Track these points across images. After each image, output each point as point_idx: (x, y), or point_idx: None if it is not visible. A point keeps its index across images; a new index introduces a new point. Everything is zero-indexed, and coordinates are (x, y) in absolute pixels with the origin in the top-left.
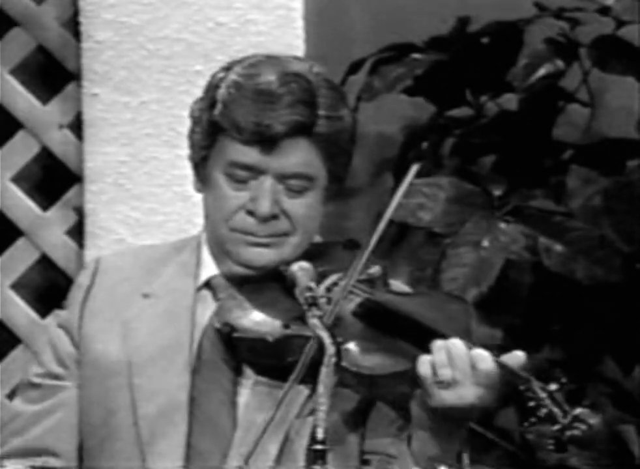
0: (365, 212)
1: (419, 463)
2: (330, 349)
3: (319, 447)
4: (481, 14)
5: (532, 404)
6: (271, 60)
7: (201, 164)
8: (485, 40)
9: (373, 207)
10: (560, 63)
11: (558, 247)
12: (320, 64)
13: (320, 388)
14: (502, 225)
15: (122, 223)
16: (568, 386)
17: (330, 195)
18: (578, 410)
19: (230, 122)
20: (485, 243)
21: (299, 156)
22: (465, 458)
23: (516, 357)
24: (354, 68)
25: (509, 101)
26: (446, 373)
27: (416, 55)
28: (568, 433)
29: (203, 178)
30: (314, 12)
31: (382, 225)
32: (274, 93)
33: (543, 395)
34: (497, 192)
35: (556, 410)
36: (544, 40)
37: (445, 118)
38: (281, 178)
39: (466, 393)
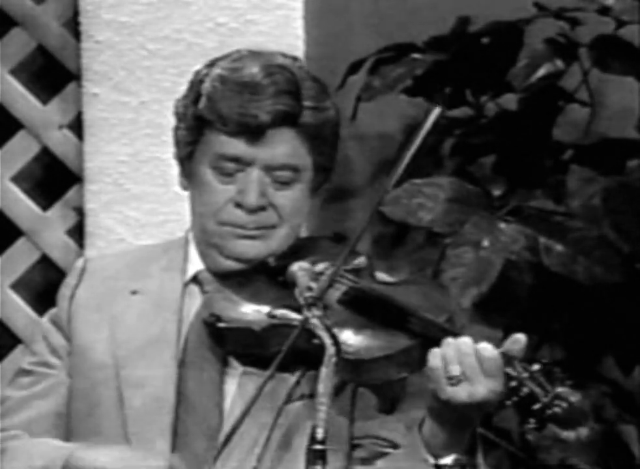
0: (365, 212)
1: (430, 449)
2: (330, 349)
3: (318, 447)
4: (481, 14)
5: (513, 383)
6: (255, 54)
7: (186, 160)
8: (485, 40)
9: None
10: (560, 63)
11: (558, 247)
12: (320, 64)
13: (321, 388)
14: (502, 225)
15: (122, 223)
16: (550, 367)
17: (317, 188)
18: (559, 389)
19: (215, 114)
20: (485, 243)
21: (285, 146)
22: (479, 455)
23: (518, 340)
24: (354, 68)
25: (509, 101)
26: (455, 369)
27: (416, 55)
28: (549, 412)
29: (189, 175)
30: (314, 12)
31: (393, 178)
32: (258, 84)
33: (524, 374)
34: (497, 192)
35: (537, 389)
36: (544, 40)
37: (445, 118)
38: (268, 169)
39: (477, 391)
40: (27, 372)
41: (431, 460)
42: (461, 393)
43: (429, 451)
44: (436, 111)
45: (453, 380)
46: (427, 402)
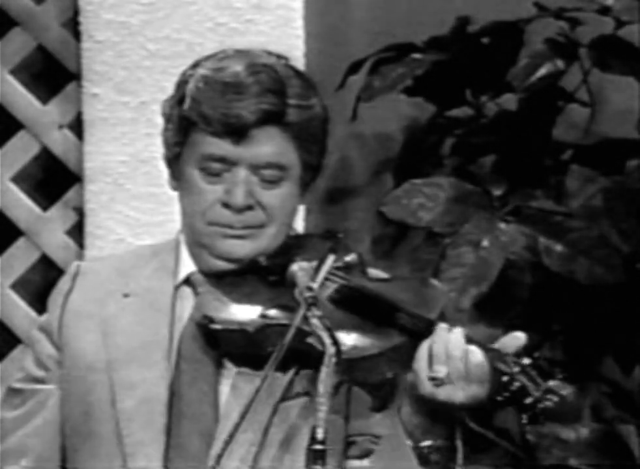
0: (365, 212)
1: (408, 433)
2: (330, 349)
3: (318, 447)
4: (481, 14)
5: (505, 378)
6: (240, 54)
7: (174, 161)
8: (485, 40)
9: (373, 207)
10: (560, 63)
11: (558, 247)
12: (320, 64)
13: (321, 388)
14: (502, 225)
15: (122, 223)
16: (541, 361)
17: (306, 186)
18: (550, 383)
19: (199, 115)
20: (485, 243)
21: (271, 145)
22: (459, 444)
23: (517, 338)
24: (354, 68)
25: (509, 101)
26: (441, 371)
27: (416, 55)
28: (541, 405)
29: (177, 176)
30: (314, 12)
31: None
32: (241, 83)
33: (516, 369)
34: (497, 192)
35: (529, 383)
36: (544, 40)
37: (445, 118)
38: (255, 168)
39: (456, 395)
40: (16, 392)
41: (410, 443)
42: (441, 393)
43: (407, 434)
44: (331, 258)
45: (437, 381)
46: (406, 389)
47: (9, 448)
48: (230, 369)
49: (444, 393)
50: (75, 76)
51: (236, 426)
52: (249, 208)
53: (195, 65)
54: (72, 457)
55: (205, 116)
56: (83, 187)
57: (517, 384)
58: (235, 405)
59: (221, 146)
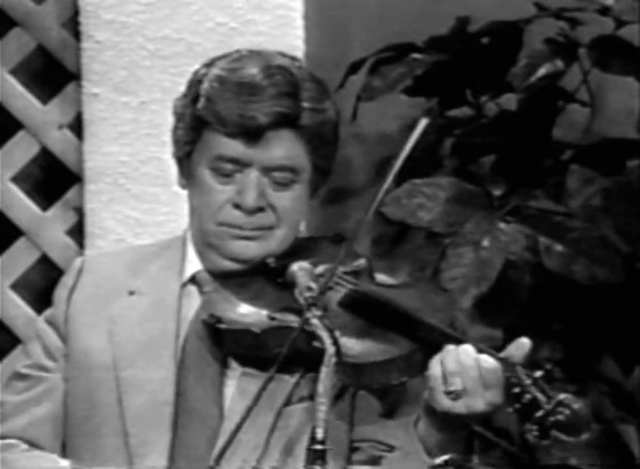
0: (365, 212)
1: (425, 447)
2: (330, 349)
3: (318, 447)
4: (481, 14)
5: (516, 390)
6: (254, 54)
7: (185, 160)
8: (485, 40)
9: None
10: (560, 63)
11: (558, 247)
12: (320, 64)
13: (320, 388)
14: (502, 225)
15: (122, 223)
16: (553, 373)
17: (316, 188)
18: (562, 396)
19: (214, 115)
20: (485, 243)
21: (284, 148)
22: (475, 454)
23: (522, 345)
24: (354, 68)
25: (509, 101)
26: (456, 383)
27: (416, 55)
28: (552, 419)
29: (187, 174)
30: (314, 12)
31: (380, 194)
32: (257, 85)
33: (527, 381)
34: (497, 192)
35: (540, 396)
36: (544, 40)
37: (445, 118)
38: (267, 170)
39: (476, 404)
40: (22, 376)
41: (427, 459)
42: (459, 407)
43: (424, 448)
44: (424, 122)
45: (453, 395)
46: (422, 405)
47: (10, 432)
48: (235, 369)
49: (463, 405)
50: (75, 76)
51: (238, 427)
52: (260, 209)
53: (209, 65)
54: (72, 456)
55: (220, 116)
56: (83, 187)
57: (528, 396)
58: (240, 406)
59: (234, 147)
